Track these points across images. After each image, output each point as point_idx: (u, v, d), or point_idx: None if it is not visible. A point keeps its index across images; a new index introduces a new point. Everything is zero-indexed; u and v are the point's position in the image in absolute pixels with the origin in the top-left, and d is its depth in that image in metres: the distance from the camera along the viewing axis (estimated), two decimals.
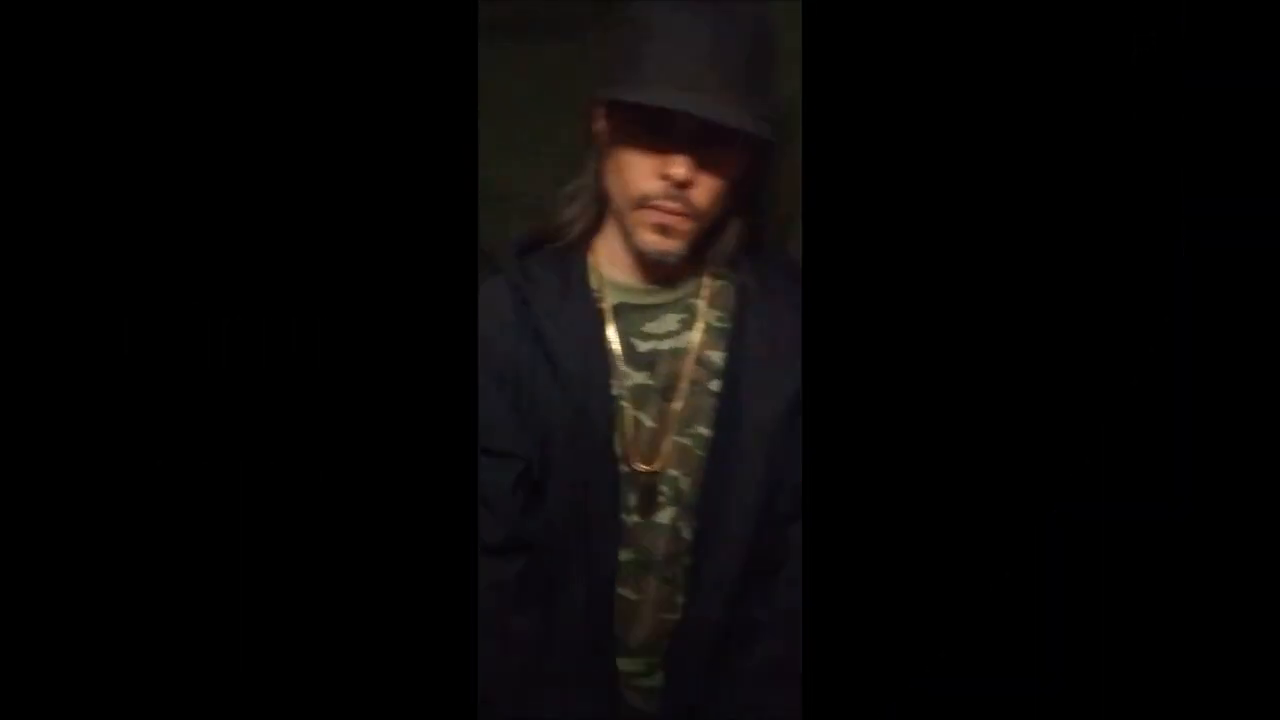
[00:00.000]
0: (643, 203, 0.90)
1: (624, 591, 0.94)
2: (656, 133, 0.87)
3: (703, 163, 0.88)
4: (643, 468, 0.93)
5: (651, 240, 0.91)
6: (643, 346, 0.95)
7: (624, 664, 0.96)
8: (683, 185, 0.88)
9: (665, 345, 0.96)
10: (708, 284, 0.97)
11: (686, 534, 0.94)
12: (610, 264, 0.97)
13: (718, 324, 0.97)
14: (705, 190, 0.90)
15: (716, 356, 0.96)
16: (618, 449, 0.93)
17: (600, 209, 0.97)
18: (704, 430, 0.94)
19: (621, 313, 0.96)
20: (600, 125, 0.92)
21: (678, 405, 0.94)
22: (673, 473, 0.94)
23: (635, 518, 0.94)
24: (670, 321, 0.96)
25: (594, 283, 0.97)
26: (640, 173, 0.89)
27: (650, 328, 0.96)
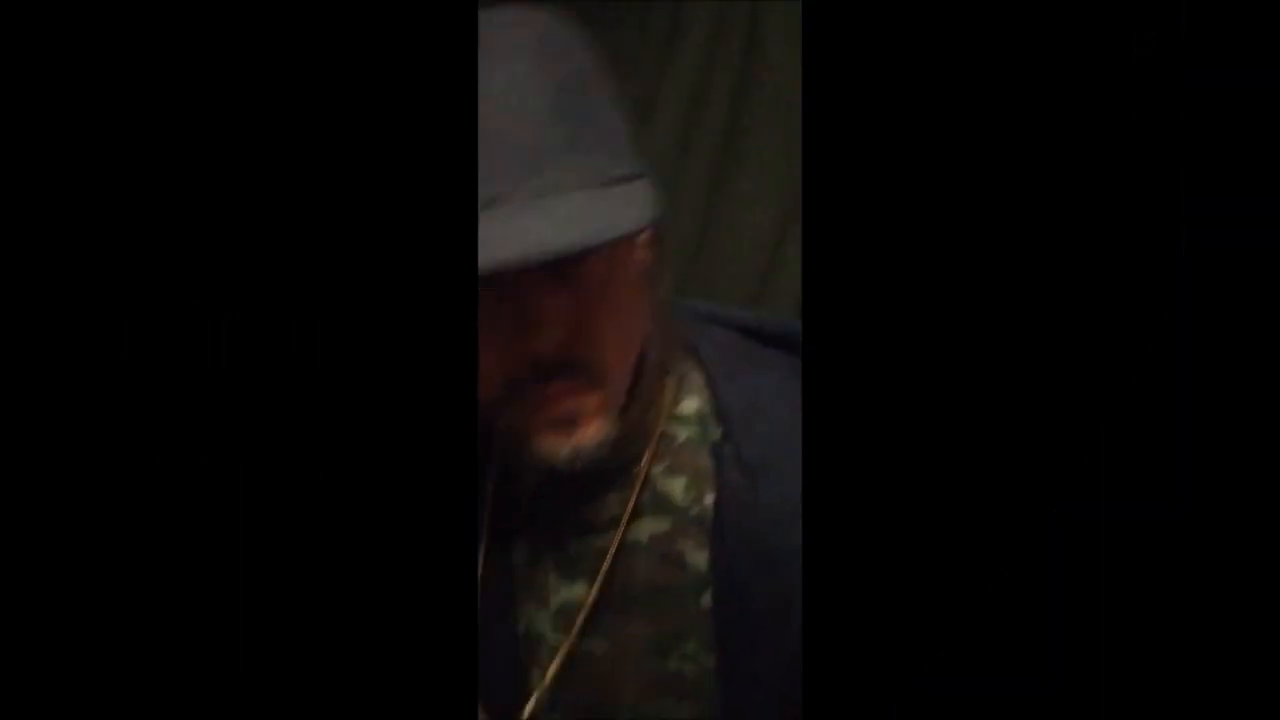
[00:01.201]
0: (519, 394, 0.64)
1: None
2: (500, 289, 0.62)
3: (572, 304, 0.62)
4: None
5: (555, 444, 0.65)
6: (575, 547, 0.69)
7: None
8: (558, 356, 0.63)
9: (605, 540, 0.69)
10: (671, 439, 0.70)
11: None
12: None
13: (686, 505, 0.69)
14: (591, 340, 0.64)
15: (695, 556, 0.68)
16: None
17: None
18: (699, 657, 0.67)
19: (540, 496, 0.69)
20: None
21: (640, 628, 0.67)
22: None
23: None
24: (614, 504, 0.69)
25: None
26: (499, 364, 0.64)
27: (584, 516, 0.69)
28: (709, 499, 0.69)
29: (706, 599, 0.66)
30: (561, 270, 0.62)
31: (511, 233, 0.59)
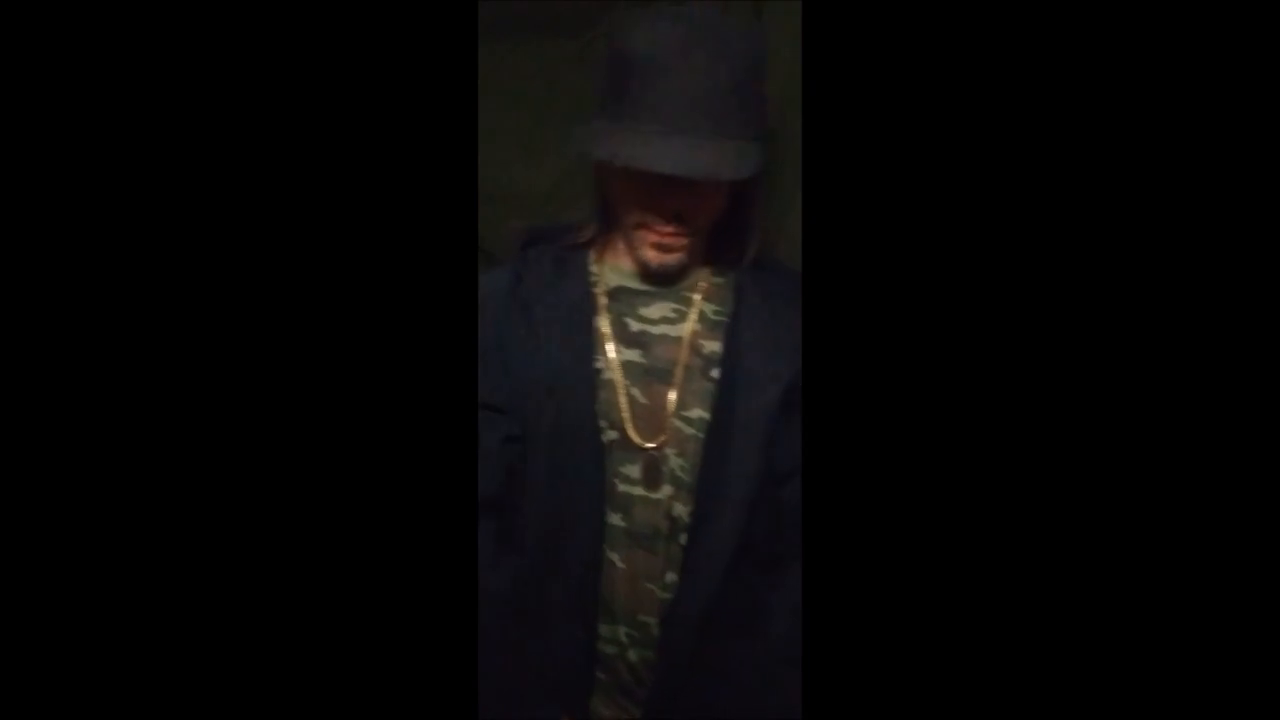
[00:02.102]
0: (641, 224, 0.97)
1: (612, 557, 0.97)
2: (649, 176, 0.92)
3: (695, 196, 0.94)
4: (645, 444, 0.97)
5: (652, 256, 0.98)
6: (635, 326, 1.00)
7: (606, 630, 0.98)
8: (676, 217, 0.95)
9: (658, 330, 1.00)
10: (704, 281, 1.02)
11: (678, 511, 0.97)
12: (613, 260, 1.03)
13: (714, 316, 1.02)
14: (700, 213, 0.96)
15: (712, 346, 1.00)
16: (603, 420, 0.97)
17: (605, 222, 1.03)
18: (702, 414, 0.98)
19: (617, 296, 1.01)
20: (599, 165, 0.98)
21: (673, 388, 0.98)
22: (670, 452, 0.97)
23: (637, 489, 0.97)
24: (664, 309, 1.01)
25: (593, 271, 1.03)
26: (636, 203, 0.96)
27: (644, 311, 1.01)
28: (727, 320, 1.01)
29: (715, 373, 0.99)
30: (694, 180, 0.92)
31: (675, 155, 0.90)
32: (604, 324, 1.00)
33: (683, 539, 0.96)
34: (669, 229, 0.96)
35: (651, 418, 0.98)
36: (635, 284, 1.02)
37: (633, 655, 0.98)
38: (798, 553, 0.95)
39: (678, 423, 0.97)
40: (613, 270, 1.03)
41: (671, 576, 0.97)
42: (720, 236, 1.02)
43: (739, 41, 0.93)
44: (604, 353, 0.99)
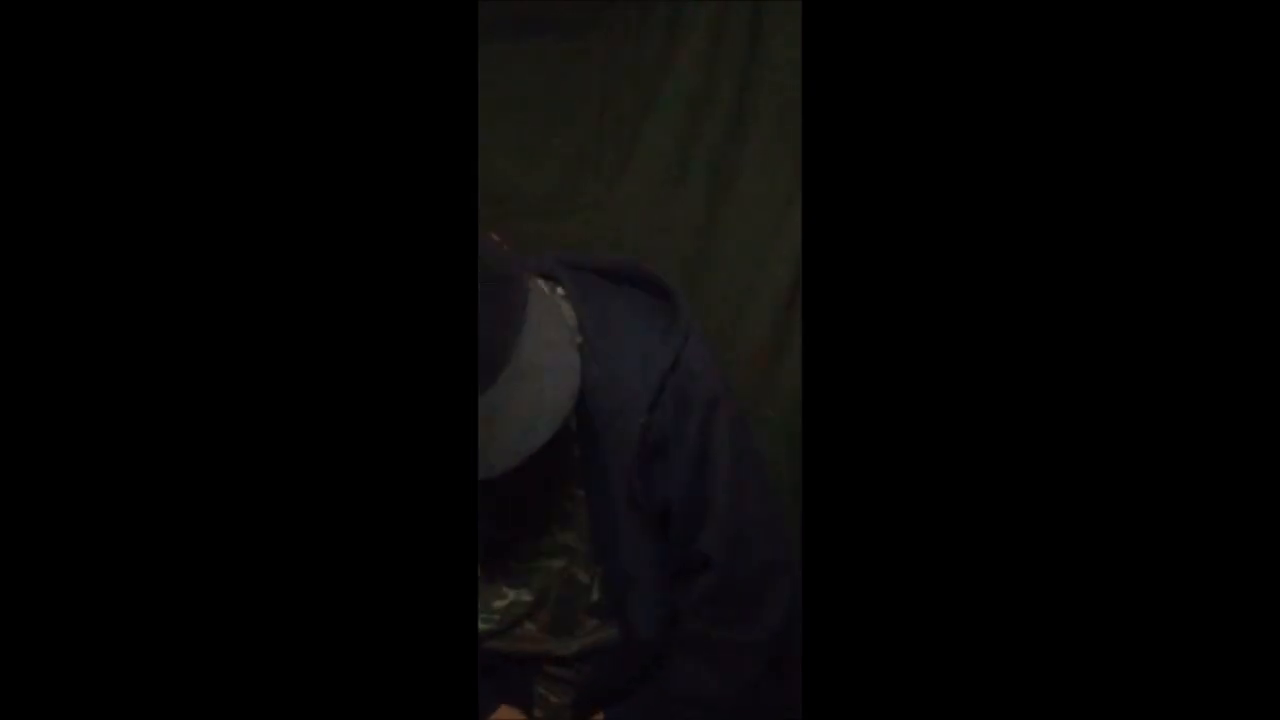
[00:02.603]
0: None
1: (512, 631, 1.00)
2: None
3: None
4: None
5: None
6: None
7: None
8: None
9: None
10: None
11: (582, 578, 0.99)
12: None
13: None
14: None
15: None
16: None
17: None
18: (579, 490, 0.97)
19: None
20: None
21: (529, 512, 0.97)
22: (554, 528, 0.98)
23: (518, 564, 0.99)
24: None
25: None
26: None
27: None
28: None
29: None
30: None
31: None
32: None
33: (594, 596, 0.98)
34: None
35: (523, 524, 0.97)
36: None
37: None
38: (703, 562, 0.97)
39: (565, 503, 0.97)
40: None
41: (593, 623, 0.99)
42: None
43: None
44: None
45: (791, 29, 1.18)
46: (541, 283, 0.96)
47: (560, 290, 0.98)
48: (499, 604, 1.01)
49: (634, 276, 1.02)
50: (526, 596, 1.00)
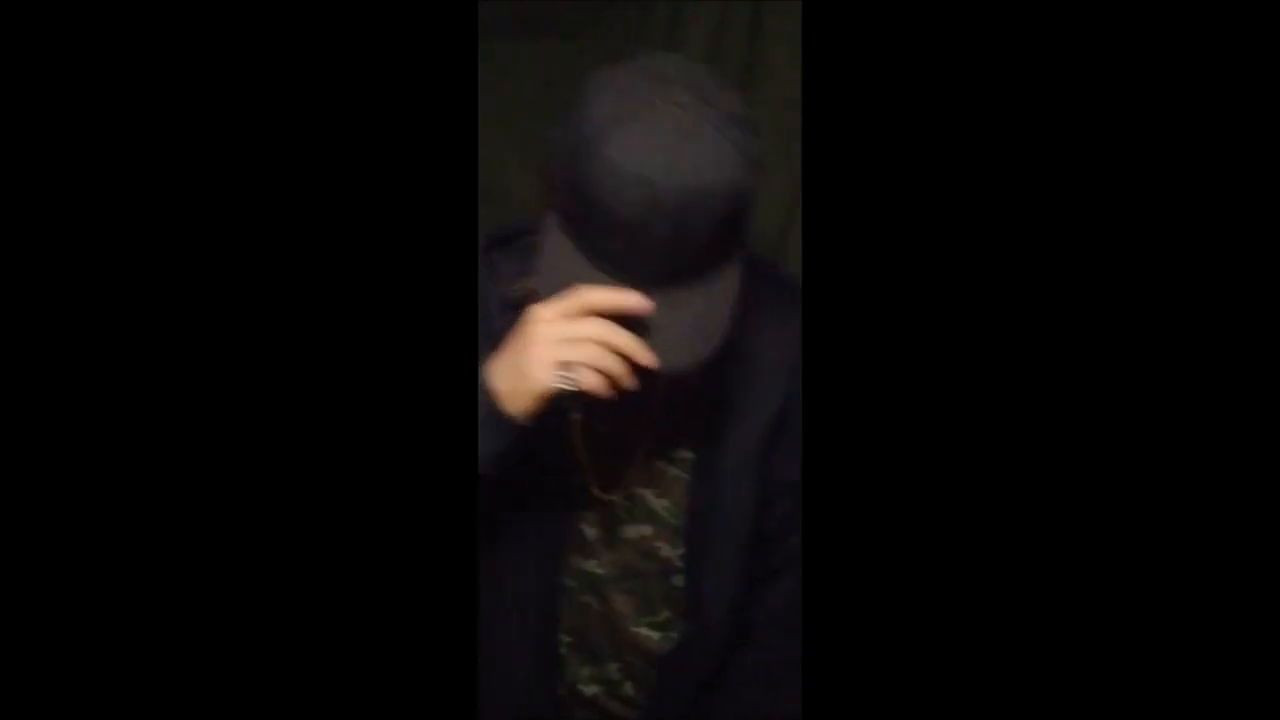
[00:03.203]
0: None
1: (589, 600, 0.93)
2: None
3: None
4: (600, 495, 0.90)
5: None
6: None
7: (588, 671, 0.95)
8: None
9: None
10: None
11: (667, 553, 0.92)
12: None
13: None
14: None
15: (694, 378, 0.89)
16: (579, 458, 0.90)
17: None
18: (686, 454, 0.91)
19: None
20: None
21: (647, 423, 0.89)
22: (649, 493, 0.91)
23: (596, 530, 0.92)
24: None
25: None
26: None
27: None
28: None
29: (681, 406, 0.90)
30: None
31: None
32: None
33: (676, 580, 0.92)
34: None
35: (620, 458, 0.90)
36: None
37: (629, 689, 0.95)
38: (790, 561, 0.93)
39: (660, 462, 0.91)
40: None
41: (666, 615, 0.93)
42: None
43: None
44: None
45: (791, 29, 1.18)
46: None
47: None
48: (570, 581, 0.93)
49: (770, 272, 0.96)
50: (598, 569, 0.93)
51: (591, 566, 0.92)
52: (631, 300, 0.75)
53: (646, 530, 0.92)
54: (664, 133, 0.73)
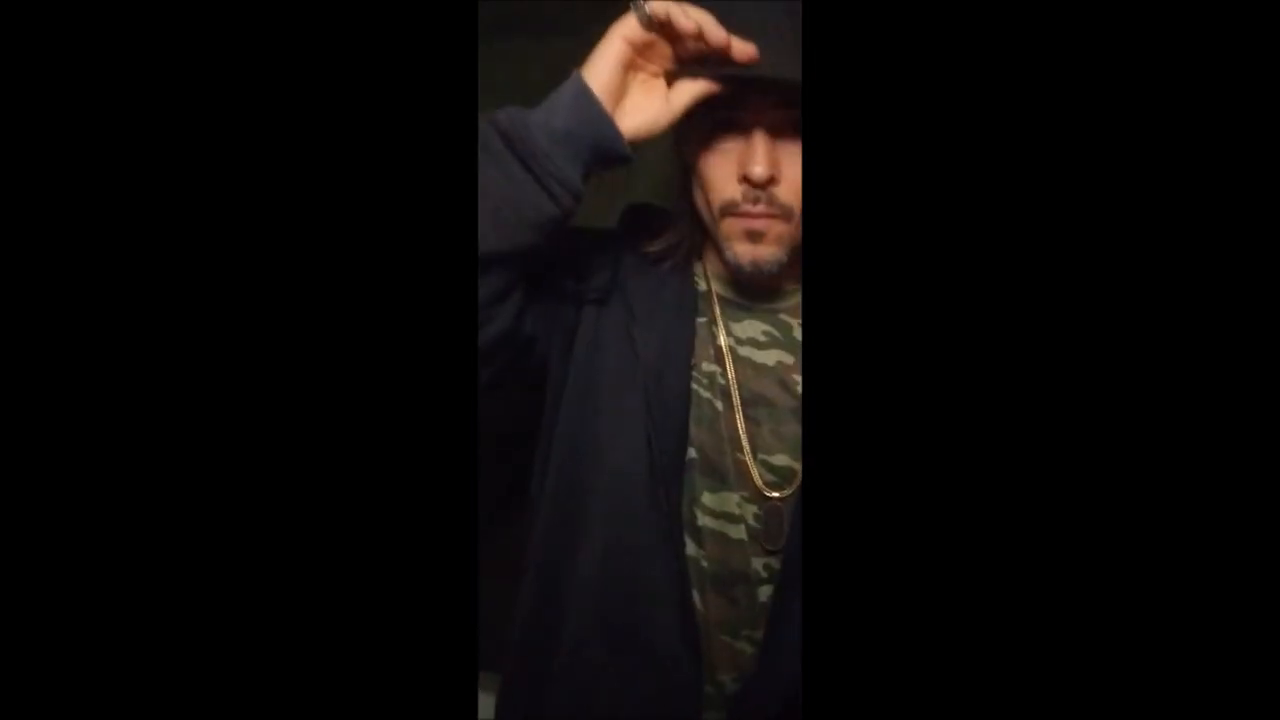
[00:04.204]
0: (728, 211, 0.85)
1: (692, 595, 0.86)
2: (730, 123, 0.83)
3: (783, 155, 0.83)
4: (770, 495, 0.86)
5: (743, 250, 0.86)
6: (721, 340, 0.90)
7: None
8: (765, 184, 0.83)
9: (742, 351, 0.90)
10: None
11: (758, 564, 0.87)
12: (711, 263, 0.93)
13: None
14: (792, 187, 0.84)
15: (802, 383, 0.87)
16: (688, 434, 0.87)
17: (699, 233, 0.92)
18: (784, 460, 0.88)
19: (712, 300, 0.91)
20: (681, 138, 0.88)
21: (748, 424, 0.88)
22: (740, 496, 0.87)
23: (708, 519, 0.88)
24: (754, 329, 0.91)
25: (695, 270, 0.93)
26: (721, 179, 0.85)
27: (733, 327, 0.91)
28: None
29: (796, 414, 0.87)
30: (778, 116, 0.83)
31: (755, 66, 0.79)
32: (698, 326, 0.89)
33: (763, 593, 0.86)
34: (759, 208, 0.83)
35: (725, 449, 0.87)
36: (730, 293, 0.92)
37: (707, 717, 0.87)
38: None
39: (756, 468, 0.87)
40: (711, 275, 0.93)
41: (749, 632, 0.86)
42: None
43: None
44: (693, 359, 0.88)
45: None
46: None
47: None
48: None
49: None
50: (701, 557, 0.87)
51: (693, 553, 0.87)
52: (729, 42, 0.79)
53: (743, 535, 0.87)
54: None
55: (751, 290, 0.91)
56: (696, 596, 0.86)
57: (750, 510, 0.87)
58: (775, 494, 0.86)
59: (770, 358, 0.90)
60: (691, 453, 0.87)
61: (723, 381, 0.89)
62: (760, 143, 0.83)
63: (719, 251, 0.89)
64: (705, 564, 0.87)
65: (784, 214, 0.85)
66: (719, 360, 0.89)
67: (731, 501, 0.87)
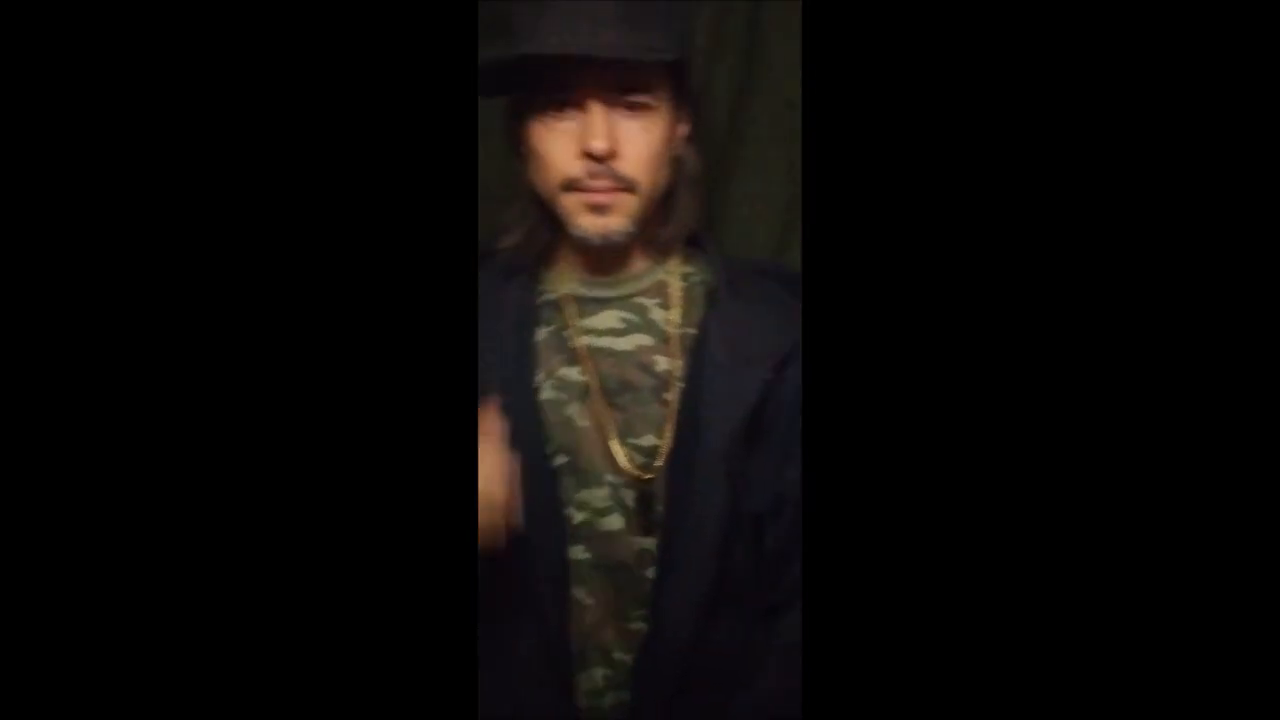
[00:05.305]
0: (570, 186, 0.86)
1: (578, 593, 0.89)
2: (565, 103, 0.84)
3: (621, 128, 0.85)
4: (639, 475, 0.89)
5: (589, 223, 0.86)
6: (578, 341, 0.91)
7: (580, 679, 0.90)
8: (605, 158, 0.84)
9: (601, 342, 0.91)
10: (670, 284, 0.93)
11: (643, 545, 0.89)
12: (566, 264, 0.93)
13: (671, 329, 0.92)
14: (633, 160, 0.86)
15: (664, 363, 0.90)
16: (550, 444, 0.89)
17: (548, 223, 0.91)
18: (654, 440, 0.90)
19: (562, 305, 0.92)
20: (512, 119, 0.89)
21: (615, 412, 0.90)
22: (620, 481, 0.89)
23: (601, 521, 0.90)
24: (612, 318, 0.92)
25: (541, 277, 0.94)
26: (559, 155, 0.85)
27: (589, 322, 0.92)
28: (689, 329, 0.91)
29: (669, 395, 0.90)
30: (615, 85, 0.84)
31: (585, 40, 0.81)
32: (543, 337, 0.91)
33: (650, 573, 0.89)
34: (601, 183, 0.84)
35: (600, 445, 0.89)
36: (585, 290, 0.93)
37: (609, 699, 0.90)
38: (793, 601, 0.88)
39: (626, 449, 0.89)
40: (563, 277, 0.93)
41: (639, 612, 0.89)
42: (668, 218, 0.91)
43: None
44: (543, 370, 0.90)
45: (791, 29, 1.18)
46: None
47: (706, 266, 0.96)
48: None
49: (777, 272, 0.98)
50: (583, 554, 0.90)
51: (580, 555, 0.89)
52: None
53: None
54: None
55: (605, 278, 0.93)
56: (583, 593, 0.89)
57: (627, 495, 0.89)
58: (648, 476, 0.88)
59: (630, 343, 0.92)
60: (560, 458, 0.89)
61: (582, 379, 0.90)
62: (598, 117, 0.84)
63: (569, 242, 0.90)
64: (589, 560, 0.89)
65: (627, 186, 0.86)
66: (576, 361, 0.91)
67: (604, 495, 0.90)
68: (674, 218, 0.92)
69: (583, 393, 0.90)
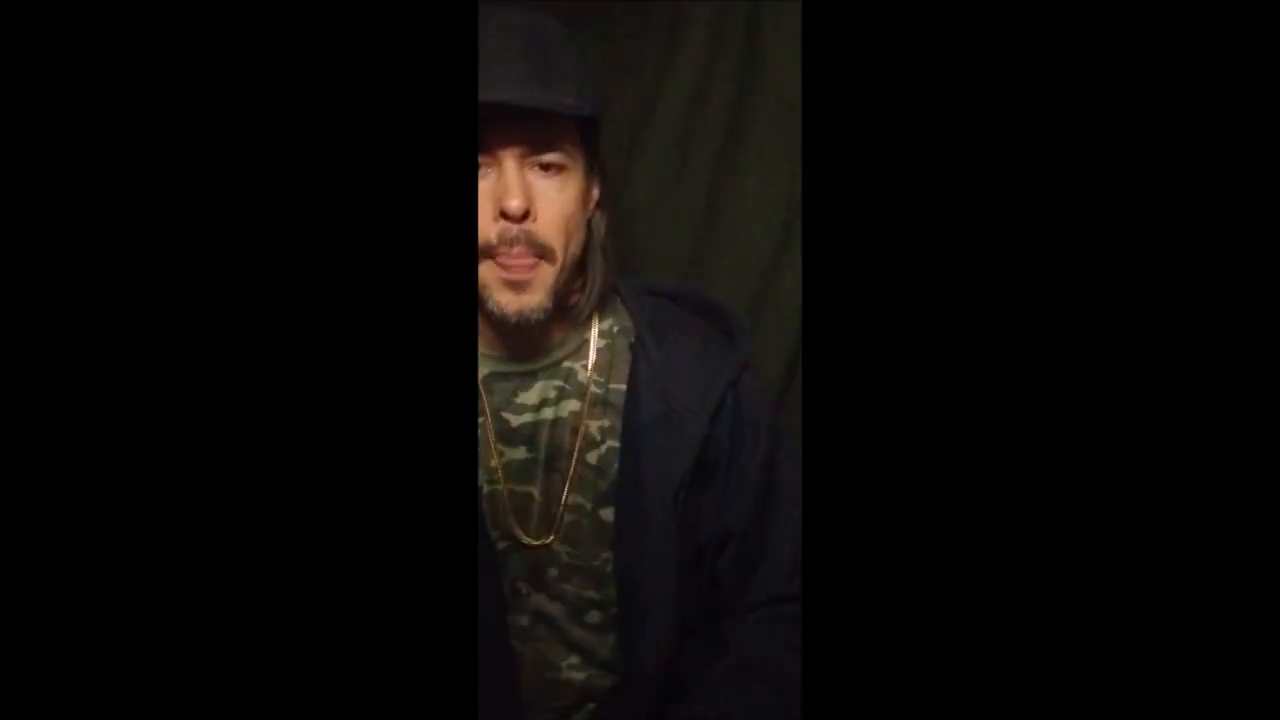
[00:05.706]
0: (485, 254, 0.84)
1: (523, 649, 0.93)
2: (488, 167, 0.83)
3: (536, 188, 0.84)
4: (531, 541, 0.92)
5: (506, 300, 0.85)
6: (515, 421, 0.91)
7: None
8: (520, 217, 0.83)
9: (540, 416, 0.92)
10: (590, 344, 0.94)
11: (572, 595, 0.93)
12: (483, 341, 0.92)
13: (597, 390, 0.93)
14: (546, 222, 0.85)
15: (596, 427, 0.92)
16: (495, 529, 0.91)
17: None
18: (586, 503, 0.92)
19: (490, 387, 0.92)
20: None
21: (557, 479, 0.92)
22: (560, 547, 0.92)
23: (526, 587, 0.93)
24: (545, 389, 0.92)
25: None
26: (483, 230, 0.84)
27: (522, 399, 0.92)
28: (618, 385, 0.92)
29: (593, 457, 0.91)
30: (529, 139, 0.83)
31: (502, 89, 0.80)
32: (485, 422, 0.90)
33: (592, 617, 0.92)
34: (516, 252, 0.83)
35: (543, 513, 0.92)
36: (506, 366, 0.92)
37: None
38: (741, 613, 0.93)
39: (570, 516, 0.91)
40: (483, 356, 0.92)
41: (574, 659, 0.93)
42: (582, 285, 0.92)
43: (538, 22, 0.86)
44: (491, 455, 0.90)
45: (791, 29, 1.18)
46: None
47: (624, 314, 0.96)
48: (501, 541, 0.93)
49: (694, 301, 0.99)
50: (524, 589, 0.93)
51: (523, 622, 0.93)
52: None
53: (554, 573, 0.93)
54: None
55: (525, 352, 0.92)
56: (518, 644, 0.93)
57: (563, 552, 0.92)
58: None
59: (565, 409, 0.92)
60: (500, 545, 0.92)
61: (521, 456, 0.91)
62: (512, 175, 0.83)
63: (486, 316, 0.88)
64: (542, 634, 0.93)
65: (542, 252, 0.85)
66: (510, 440, 0.92)
67: (547, 565, 0.92)
68: (588, 288, 0.91)
69: (533, 469, 0.91)
